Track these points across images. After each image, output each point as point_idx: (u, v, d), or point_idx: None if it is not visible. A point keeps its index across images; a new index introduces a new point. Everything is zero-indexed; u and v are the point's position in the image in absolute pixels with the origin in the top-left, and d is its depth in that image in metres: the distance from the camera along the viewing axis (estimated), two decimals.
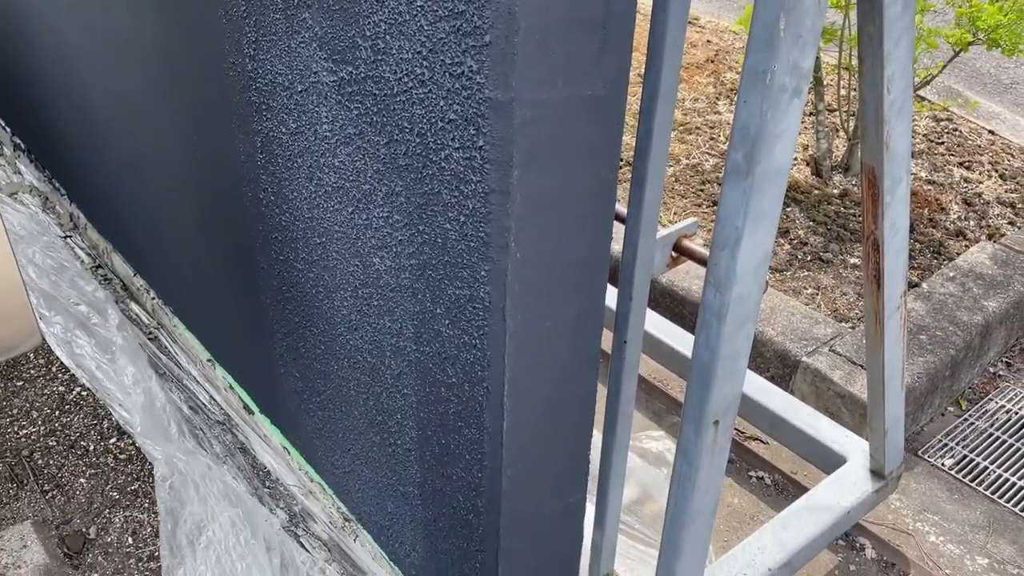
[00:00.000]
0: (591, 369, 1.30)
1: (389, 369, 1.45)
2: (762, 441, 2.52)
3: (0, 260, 1.26)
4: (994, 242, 3.06)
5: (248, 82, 1.49)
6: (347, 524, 1.93)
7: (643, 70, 1.18)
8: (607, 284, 1.25)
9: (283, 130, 1.45)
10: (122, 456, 2.24)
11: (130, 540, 2.02)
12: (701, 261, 1.45)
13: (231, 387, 2.32)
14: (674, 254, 1.49)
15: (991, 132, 3.95)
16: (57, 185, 3.13)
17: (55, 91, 2.69)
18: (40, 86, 2.81)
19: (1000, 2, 2.93)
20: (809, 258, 3.05)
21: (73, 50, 2.38)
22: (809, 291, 2.89)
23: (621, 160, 1.27)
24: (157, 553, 1.98)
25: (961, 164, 3.65)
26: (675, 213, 3.37)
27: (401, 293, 1.32)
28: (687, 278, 2.89)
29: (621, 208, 1.41)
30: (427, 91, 1.07)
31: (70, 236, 2.96)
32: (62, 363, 2.51)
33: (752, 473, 2.44)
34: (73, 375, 2.45)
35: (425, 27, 1.02)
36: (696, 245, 1.47)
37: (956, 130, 3.95)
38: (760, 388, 2.31)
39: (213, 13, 1.49)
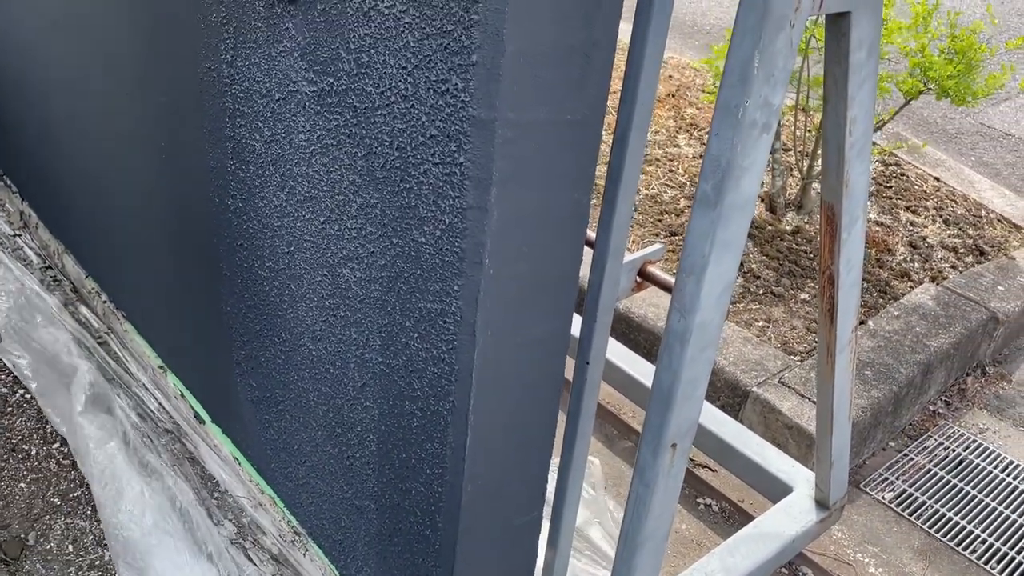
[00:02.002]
0: (555, 388, 1.32)
1: (352, 381, 1.45)
2: (711, 469, 2.56)
3: None
4: (937, 284, 3.18)
5: (223, 87, 1.48)
6: (297, 538, 1.90)
7: (617, 99, 1.21)
8: (575, 300, 1.28)
9: (257, 137, 1.45)
10: (65, 462, 2.18)
11: (71, 548, 1.97)
12: (664, 287, 1.49)
13: (182, 395, 2.28)
14: (638, 279, 1.52)
15: (936, 179, 4.10)
16: (8, 182, 3.06)
17: (9, 85, 2.64)
18: None
19: (949, 56, 3.06)
20: (761, 291, 3.12)
21: (31, 41, 2.34)
22: (760, 323, 2.95)
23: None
24: (98, 562, 1.93)
25: (908, 208, 3.79)
26: (633, 242, 3.42)
27: (370, 305, 1.33)
28: (643, 305, 2.93)
29: (588, 233, 1.44)
30: (409, 106, 1.09)
31: (19, 235, 2.89)
32: (4, 364, 2.44)
33: (700, 500, 2.48)
34: (16, 377, 2.39)
35: (412, 43, 1.04)
36: (659, 271, 1.51)
37: (904, 175, 4.09)
38: (711, 416, 2.35)
39: (191, 17, 1.49)
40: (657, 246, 1.53)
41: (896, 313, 2.95)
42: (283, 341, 1.62)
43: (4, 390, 2.36)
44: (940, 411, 2.90)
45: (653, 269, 1.50)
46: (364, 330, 1.36)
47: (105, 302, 2.54)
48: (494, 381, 1.20)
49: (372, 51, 1.11)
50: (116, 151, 2.08)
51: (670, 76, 5.26)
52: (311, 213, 1.38)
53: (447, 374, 1.21)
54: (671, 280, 1.45)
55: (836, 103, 1.24)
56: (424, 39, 1.02)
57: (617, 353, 2.61)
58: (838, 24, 1.16)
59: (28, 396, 2.35)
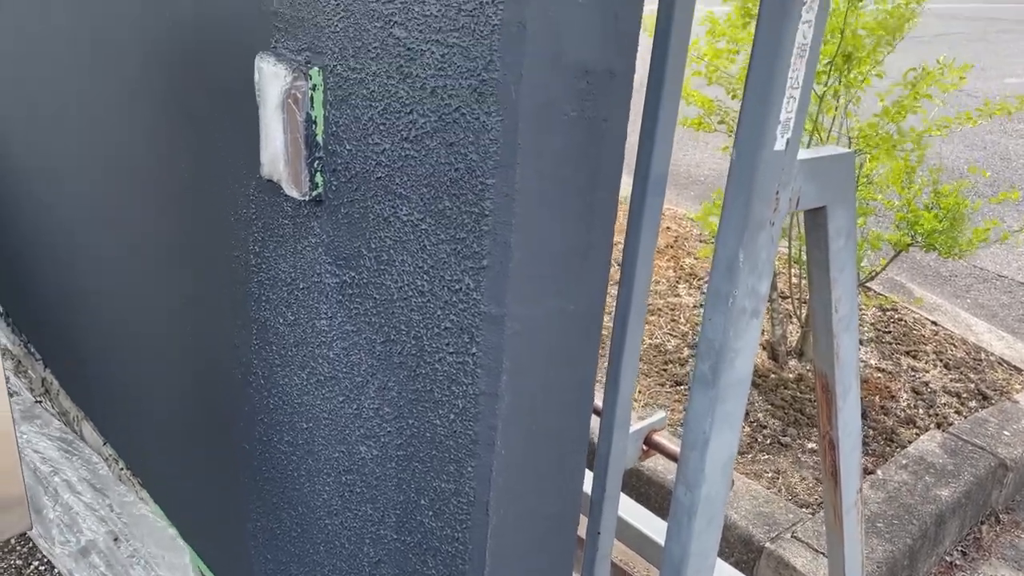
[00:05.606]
0: (567, 559, 1.35)
1: (367, 556, 1.48)
2: None
3: (1, 446, 1.29)
4: (943, 431, 3.20)
5: (250, 274, 1.59)
6: None
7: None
8: (583, 478, 1.33)
9: (280, 320, 1.54)
10: None
11: None
12: (670, 456, 1.54)
13: (195, 567, 2.28)
14: (645, 447, 1.58)
15: (934, 323, 4.19)
16: (32, 350, 3.16)
17: (39, 259, 2.78)
18: (24, 253, 2.90)
19: (935, 210, 3.21)
20: (768, 441, 3.14)
21: (61, 220, 2.49)
22: (769, 475, 2.96)
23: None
24: None
25: (908, 353, 3.85)
26: (640, 392, 3.48)
27: (386, 482, 1.38)
28: (653, 458, 2.96)
29: (596, 401, 1.51)
30: (426, 300, 1.18)
31: (41, 401, 2.96)
32: (22, 532, 2.46)
33: None
34: (33, 546, 2.40)
35: (428, 247, 1.15)
36: (666, 439, 1.56)
37: (901, 320, 4.18)
38: None
39: (223, 212, 1.61)
40: (660, 414, 1.59)
41: (904, 462, 2.97)
42: (299, 514, 1.66)
43: (19, 561, 2.36)
44: (957, 562, 2.86)
45: (659, 438, 1.56)
46: (380, 507, 1.41)
47: (122, 469, 2.57)
48: (507, 559, 1.24)
49: (391, 251, 1.22)
50: (140, 327, 2.18)
51: (668, 227, 5.46)
52: (330, 392, 1.46)
53: (461, 553, 1.24)
54: (676, 449, 1.50)
55: (820, 286, 1.34)
56: (439, 244, 1.13)
57: (629, 510, 2.61)
58: (815, 217, 1.27)
59: (42, 568, 2.35)
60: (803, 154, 1.16)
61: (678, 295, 4.41)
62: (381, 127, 1.16)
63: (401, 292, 1.22)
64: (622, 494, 2.38)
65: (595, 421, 1.42)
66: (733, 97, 3.29)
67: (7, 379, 1.56)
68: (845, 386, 1.47)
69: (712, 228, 3.53)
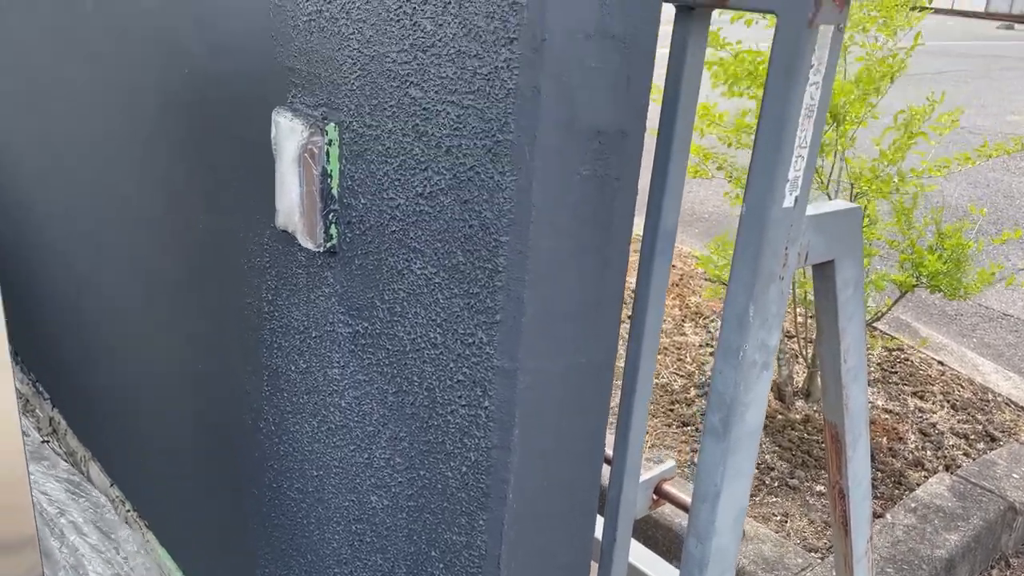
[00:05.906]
0: None
1: None
2: None
3: (13, 485, 1.30)
4: (951, 474, 3.18)
5: (262, 322, 1.61)
6: None
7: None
8: (595, 528, 1.33)
9: (292, 368, 1.55)
10: None
11: None
12: (681, 506, 1.54)
13: None
14: (655, 496, 1.58)
15: (940, 363, 4.18)
16: (41, 389, 3.17)
17: (49, 298, 2.81)
18: (34, 291, 2.92)
19: (938, 251, 3.23)
20: (776, 484, 3.13)
21: (72, 260, 2.51)
22: (778, 518, 2.94)
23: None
24: None
25: (915, 394, 3.84)
26: (647, 433, 3.46)
27: (396, 533, 1.38)
28: None
29: (607, 450, 1.51)
30: (438, 353, 1.20)
31: (48, 441, 2.96)
32: None
33: None
34: None
35: (441, 300, 1.16)
36: (676, 489, 1.57)
37: (908, 359, 4.18)
38: None
39: (236, 260, 1.63)
40: (670, 463, 1.59)
41: (913, 506, 2.95)
42: (308, 562, 1.65)
43: None
44: None
45: (669, 487, 1.56)
46: (390, 557, 1.41)
47: (129, 511, 2.57)
48: None
49: (405, 303, 1.23)
50: (150, 369, 2.19)
51: (673, 265, 5.47)
52: (341, 441, 1.46)
53: None
54: (686, 499, 1.50)
55: (829, 336, 1.35)
56: (452, 298, 1.14)
57: (639, 556, 2.59)
58: (823, 270, 1.29)
59: None
60: (811, 210, 1.18)
61: (684, 334, 4.42)
62: (396, 182, 1.18)
63: (414, 344, 1.24)
64: (632, 540, 2.37)
65: (605, 469, 1.42)
66: (728, 144, 3.32)
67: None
68: (855, 435, 1.47)
69: (712, 272, 3.55)
